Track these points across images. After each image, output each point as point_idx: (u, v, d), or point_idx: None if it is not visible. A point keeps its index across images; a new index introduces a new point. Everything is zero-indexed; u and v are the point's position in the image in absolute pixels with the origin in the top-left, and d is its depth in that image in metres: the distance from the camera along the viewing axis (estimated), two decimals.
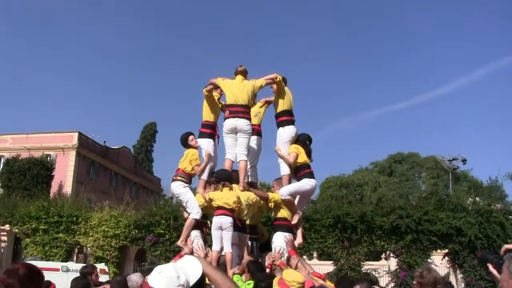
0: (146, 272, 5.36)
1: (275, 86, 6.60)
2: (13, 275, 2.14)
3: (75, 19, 71.92)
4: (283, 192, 6.14)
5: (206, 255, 5.74)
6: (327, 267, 15.98)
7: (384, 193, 36.19)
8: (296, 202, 6.37)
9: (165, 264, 2.08)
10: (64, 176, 30.79)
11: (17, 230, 16.48)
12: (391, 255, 14.94)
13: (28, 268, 2.21)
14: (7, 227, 17.36)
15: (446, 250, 14.02)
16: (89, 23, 74.33)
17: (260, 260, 5.95)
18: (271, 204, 6.25)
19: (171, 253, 13.53)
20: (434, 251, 13.99)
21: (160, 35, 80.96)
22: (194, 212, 6.18)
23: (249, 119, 6.33)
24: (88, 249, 16.07)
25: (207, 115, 6.72)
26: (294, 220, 6.23)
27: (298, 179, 6.35)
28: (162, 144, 64.85)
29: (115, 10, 77.77)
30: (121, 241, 15.13)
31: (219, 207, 5.76)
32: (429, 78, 77.75)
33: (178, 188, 6.28)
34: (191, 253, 5.94)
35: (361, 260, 13.89)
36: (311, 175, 6.35)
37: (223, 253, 5.75)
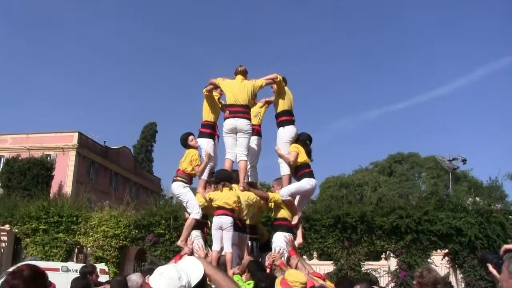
0: (146, 272, 5.36)
1: (275, 86, 6.60)
2: (18, 276, 2.17)
3: (75, 19, 72.04)
4: (284, 193, 6.14)
5: (206, 255, 5.75)
6: (327, 267, 15.99)
7: (384, 193, 36.20)
8: (296, 202, 6.37)
9: (166, 264, 2.08)
10: (64, 176, 30.78)
11: (17, 230, 16.49)
12: (391, 255, 14.94)
13: (32, 269, 2.24)
14: (7, 227, 17.37)
15: (446, 250, 14.02)
16: (89, 23, 74.46)
17: (260, 260, 5.95)
18: (271, 204, 6.25)
19: (171, 253, 13.53)
20: (434, 251, 13.99)
21: (160, 35, 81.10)
22: (194, 212, 6.19)
23: (249, 119, 6.33)
24: (88, 249, 16.07)
25: (207, 115, 6.72)
26: (294, 221, 6.24)
27: (298, 179, 6.35)
28: (162, 144, 64.95)
29: (115, 10, 77.89)
30: (121, 241, 15.13)
31: (219, 207, 5.76)
32: (429, 78, 77.87)
33: (178, 189, 6.29)
34: (191, 253, 5.95)
35: (361, 260, 13.89)
36: (311, 175, 6.34)
37: (223, 253, 5.75)
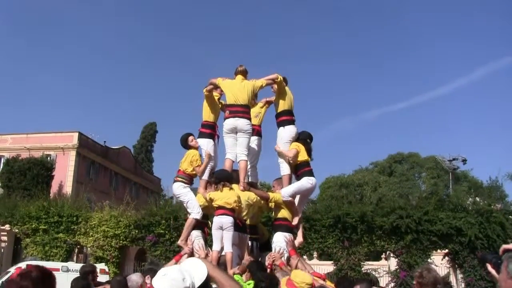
0: (146, 272, 5.36)
1: (275, 86, 6.60)
2: (26, 277, 2.18)
3: (75, 19, 72.04)
4: (285, 193, 6.14)
5: (206, 255, 5.75)
6: (327, 267, 15.99)
7: (384, 193, 36.18)
8: (296, 201, 6.38)
9: (170, 266, 2.08)
10: (64, 176, 30.77)
11: (17, 230, 16.49)
12: (391, 255, 14.95)
13: (40, 270, 2.26)
14: (7, 227, 17.38)
15: (446, 250, 14.03)
16: (89, 23, 74.46)
17: (260, 260, 5.95)
18: (272, 204, 6.26)
19: (171, 253, 13.53)
20: (434, 251, 14.00)
21: (160, 35, 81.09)
22: (194, 212, 6.19)
23: (249, 119, 6.33)
24: (88, 249, 16.08)
25: (207, 115, 6.71)
26: (295, 222, 6.24)
27: (298, 177, 6.35)
28: (162, 144, 64.99)
29: (115, 10, 77.88)
30: (121, 241, 15.13)
31: (220, 207, 5.76)
32: (429, 78, 77.86)
33: (179, 189, 6.29)
34: (191, 253, 5.96)
35: (361, 260, 13.90)
36: (310, 173, 6.35)
37: (223, 253, 5.75)
